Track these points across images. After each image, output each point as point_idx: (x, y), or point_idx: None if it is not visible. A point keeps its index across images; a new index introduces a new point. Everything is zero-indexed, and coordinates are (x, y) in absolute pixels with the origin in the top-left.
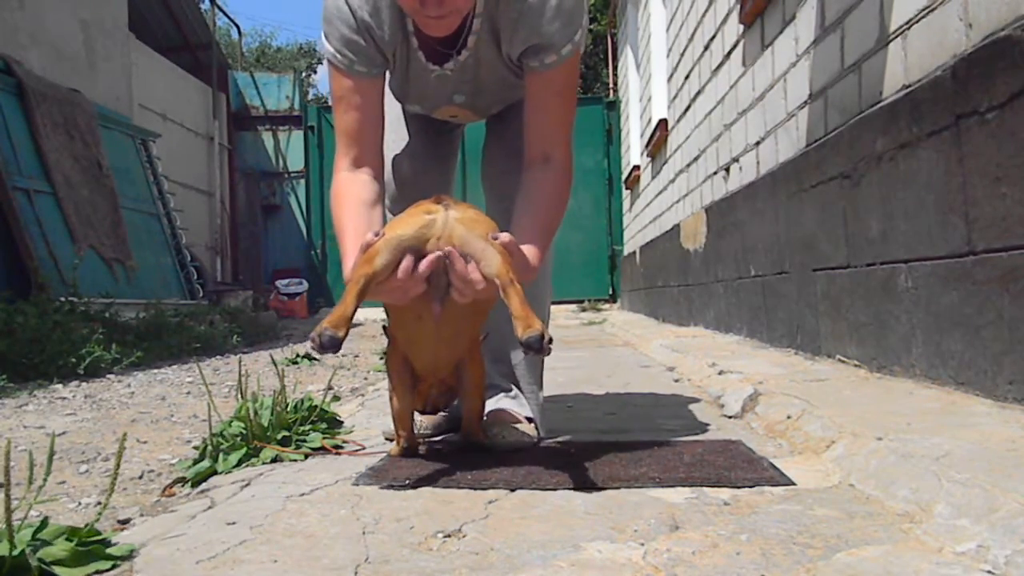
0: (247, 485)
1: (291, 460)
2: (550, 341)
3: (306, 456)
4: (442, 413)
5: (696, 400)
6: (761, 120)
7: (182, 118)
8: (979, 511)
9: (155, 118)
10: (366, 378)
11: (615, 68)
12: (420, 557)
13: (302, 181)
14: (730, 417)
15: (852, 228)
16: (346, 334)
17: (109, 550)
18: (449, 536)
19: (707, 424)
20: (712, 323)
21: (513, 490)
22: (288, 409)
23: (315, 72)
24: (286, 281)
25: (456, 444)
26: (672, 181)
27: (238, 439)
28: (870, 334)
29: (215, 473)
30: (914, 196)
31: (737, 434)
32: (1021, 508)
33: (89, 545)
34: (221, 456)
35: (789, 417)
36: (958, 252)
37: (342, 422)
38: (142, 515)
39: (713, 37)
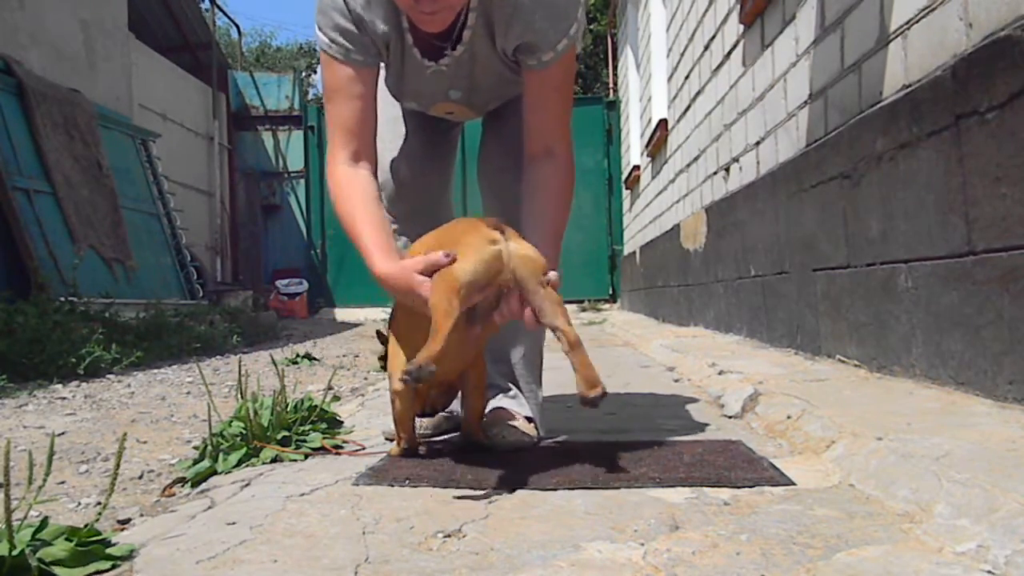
0: (247, 485)
1: (291, 460)
2: (604, 395)
3: (306, 456)
4: (442, 413)
5: (696, 400)
6: (761, 120)
7: (182, 118)
8: (979, 511)
9: (155, 118)
10: (366, 378)
11: (615, 68)
12: (420, 557)
13: (302, 181)
14: (730, 417)
15: (852, 228)
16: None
17: (109, 550)
18: (449, 536)
19: (707, 424)
20: (712, 323)
21: (513, 490)
22: (288, 409)
23: (315, 72)
24: (286, 281)
25: (456, 444)
26: (672, 181)
27: (238, 439)
28: (870, 334)
29: (215, 473)
30: (914, 196)
31: (737, 434)
32: (1021, 508)
33: (89, 545)
34: (221, 456)
35: (789, 417)
36: (958, 252)
37: (342, 422)
38: (142, 515)
39: (713, 37)
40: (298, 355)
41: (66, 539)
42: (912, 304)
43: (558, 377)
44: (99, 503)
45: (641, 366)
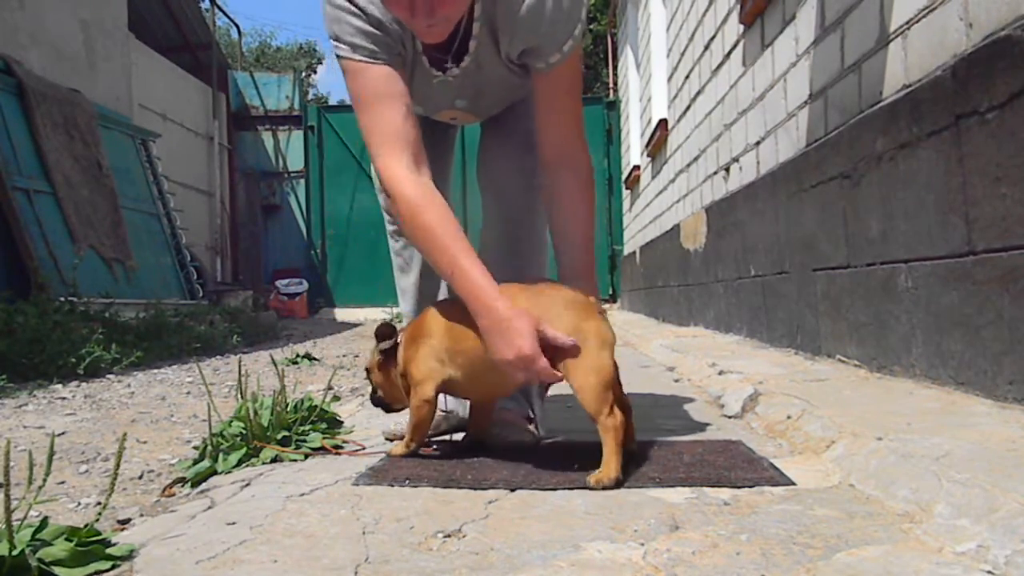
0: (247, 485)
1: (291, 460)
2: (606, 489)
3: (306, 456)
4: (441, 413)
5: (696, 400)
6: (761, 120)
7: (182, 118)
8: (979, 511)
9: (155, 118)
10: (366, 378)
11: (615, 68)
12: (420, 557)
13: (302, 181)
14: (730, 417)
15: (852, 228)
16: None
17: (109, 550)
18: (449, 536)
19: (707, 424)
20: (712, 323)
21: (513, 490)
22: (288, 409)
23: (315, 72)
24: (286, 281)
25: (456, 444)
26: (672, 181)
27: (238, 439)
28: (870, 334)
29: (215, 473)
30: (914, 196)
31: (737, 434)
32: (1021, 508)
33: (89, 545)
34: (221, 456)
35: (789, 417)
36: (958, 252)
37: (342, 422)
38: (142, 515)
39: (713, 37)
40: (298, 355)
41: (66, 539)
42: (912, 304)
43: None
44: (99, 503)
45: (641, 366)
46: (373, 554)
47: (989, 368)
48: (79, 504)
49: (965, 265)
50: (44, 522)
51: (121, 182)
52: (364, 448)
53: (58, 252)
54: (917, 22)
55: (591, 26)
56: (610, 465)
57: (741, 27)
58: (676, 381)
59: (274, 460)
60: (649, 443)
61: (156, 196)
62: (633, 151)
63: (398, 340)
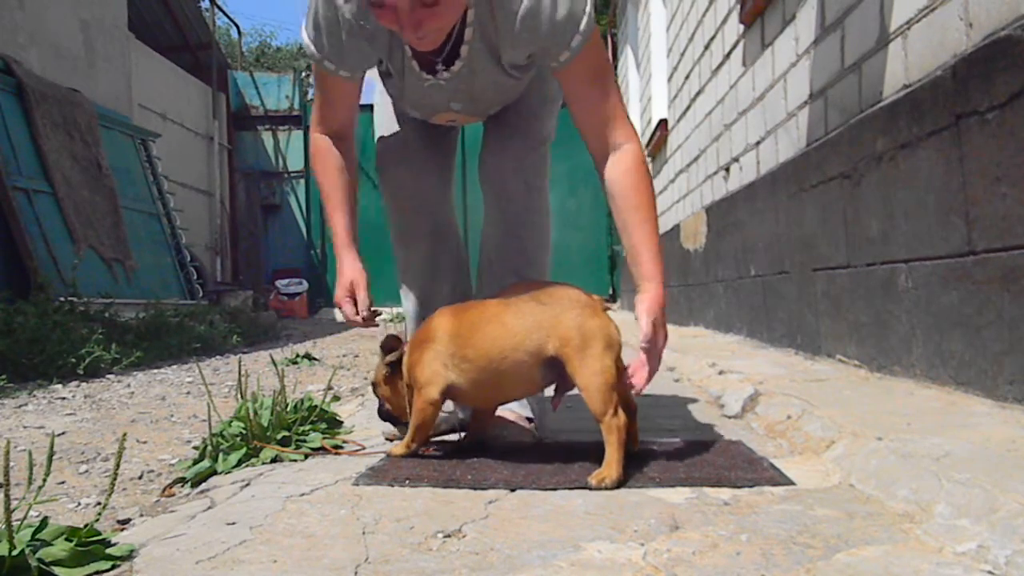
0: (247, 485)
1: (291, 460)
2: (607, 489)
3: (306, 456)
4: (442, 414)
5: (696, 400)
6: (761, 120)
7: (182, 118)
8: (979, 511)
9: (155, 118)
10: (366, 378)
11: (615, 68)
12: (420, 557)
13: (302, 181)
14: (730, 417)
15: (852, 228)
16: None
17: (109, 550)
18: (449, 536)
19: (707, 424)
20: (712, 323)
21: (513, 490)
22: (288, 409)
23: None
24: (286, 281)
25: (456, 444)
26: (672, 181)
27: (238, 439)
28: (870, 334)
29: (215, 473)
30: (914, 196)
31: (737, 434)
32: (1021, 508)
33: (89, 545)
34: (221, 456)
35: (789, 417)
36: (958, 252)
37: (342, 422)
38: (142, 515)
39: (713, 37)
40: (298, 355)
41: (66, 539)
42: (912, 304)
43: None
44: (99, 503)
45: None
46: (373, 554)
47: (989, 368)
48: (79, 504)
49: (965, 265)
50: (44, 522)
51: (121, 182)
52: (364, 448)
53: (58, 252)
54: (917, 22)
55: None
56: (612, 465)
57: (741, 27)
58: (676, 381)
59: (274, 460)
60: (649, 443)
61: (156, 196)
62: None
63: (403, 351)
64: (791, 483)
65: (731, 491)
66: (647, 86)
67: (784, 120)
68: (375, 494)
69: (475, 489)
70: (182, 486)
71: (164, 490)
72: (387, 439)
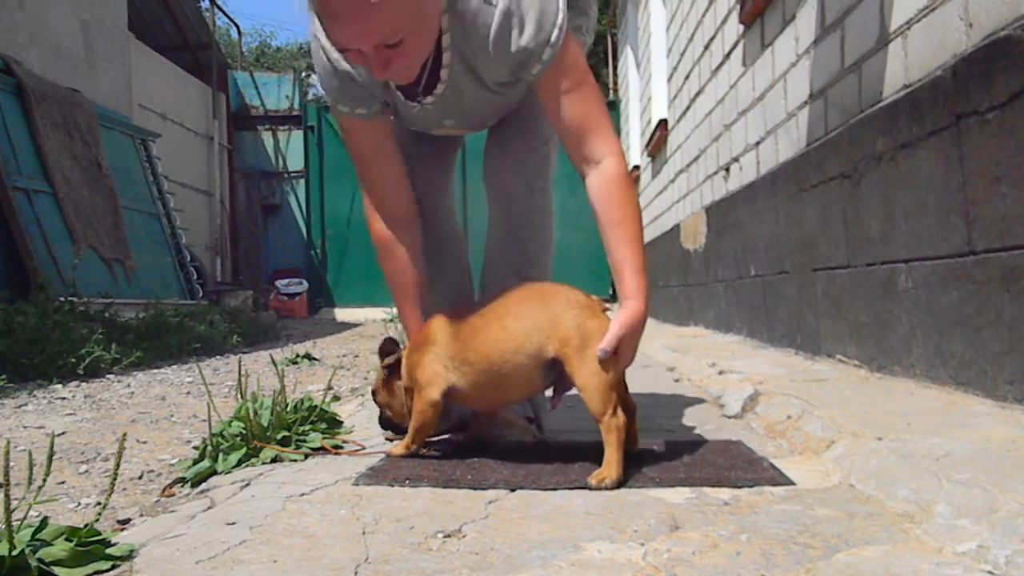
0: (247, 485)
1: (291, 460)
2: (607, 489)
3: (306, 456)
4: None
5: (696, 400)
6: (761, 120)
7: (182, 118)
8: (979, 511)
9: (155, 118)
10: (366, 378)
11: (615, 68)
12: (420, 557)
13: (302, 181)
14: (730, 417)
15: (852, 228)
16: None
17: (109, 550)
18: (449, 536)
19: (707, 424)
20: (712, 323)
21: (513, 490)
22: (288, 409)
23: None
24: (286, 281)
25: (456, 444)
26: (672, 181)
27: (238, 439)
28: (870, 334)
29: (215, 473)
30: (914, 196)
31: (737, 434)
32: (1021, 508)
33: (89, 545)
34: (221, 456)
35: (789, 417)
36: (958, 252)
37: (342, 422)
38: (142, 515)
39: (713, 37)
40: (298, 355)
41: (66, 539)
42: (912, 304)
43: None
44: (99, 503)
45: (642, 366)
46: (373, 554)
47: (989, 368)
48: (79, 504)
49: (965, 265)
50: (44, 522)
51: (121, 182)
52: (364, 448)
53: (58, 252)
54: (917, 22)
55: None
56: (611, 465)
57: (741, 27)
58: (676, 381)
59: (274, 460)
60: (649, 443)
61: (156, 196)
62: (633, 151)
63: (401, 355)
64: (791, 483)
65: (731, 491)
66: (647, 86)
67: (784, 120)
68: (375, 494)
69: (475, 489)
70: (182, 486)
71: (164, 490)
72: (387, 439)
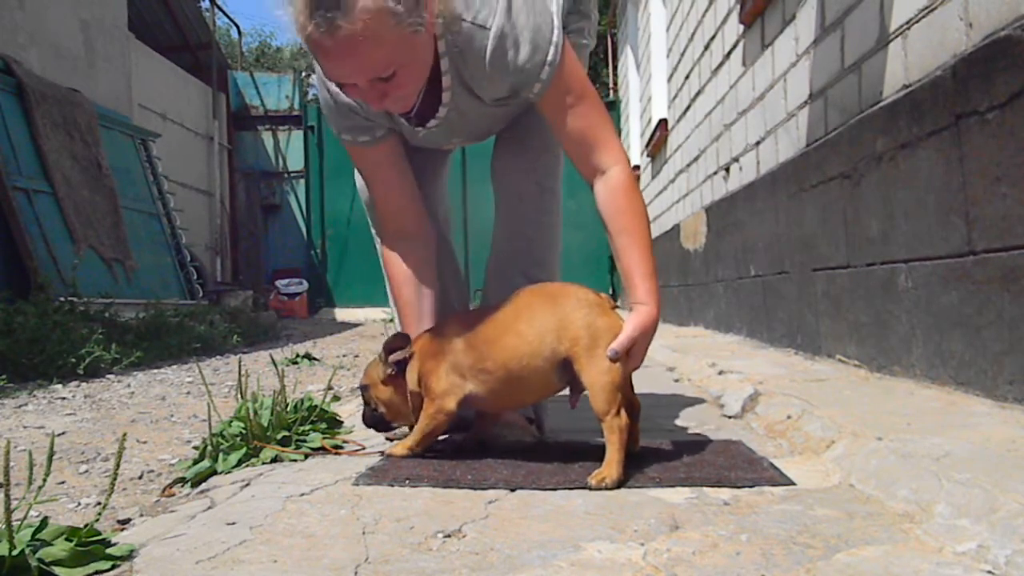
0: (247, 485)
1: (291, 460)
2: (607, 488)
3: (306, 456)
4: None
5: (696, 400)
6: (761, 120)
7: (182, 118)
8: (979, 511)
9: (155, 118)
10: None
11: (615, 68)
12: (420, 557)
13: (302, 181)
14: (730, 417)
15: (852, 228)
16: None
17: (109, 550)
18: (449, 536)
19: (707, 424)
20: (712, 323)
21: (513, 490)
22: (288, 409)
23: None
24: (286, 281)
25: (456, 444)
26: (672, 181)
27: (238, 439)
28: (870, 334)
29: (215, 473)
30: (914, 196)
31: (737, 434)
32: (1021, 508)
33: (89, 545)
34: (221, 456)
35: (789, 417)
36: (958, 252)
37: (342, 422)
38: (142, 515)
39: (713, 37)
40: (298, 355)
41: (66, 539)
42: (912, 304)
43: None
44: (99, 503)
45: (642, 366)
46: (373, 554)
47: (989, 368)
48: (79, 504)
49: (965, 265)
50: (44, 522)
51: (121, 182)
52: (364, 448)
53: (58, 252)
54: (917, 22)
55: None
56: (612, 465)
57: (741, 27)
58: (676, 381)
59: (274, 460)
60: (649, 443)
61: (156, 196)
62: (633, 151)
63: (411, 352)
64: (791, 483)
65: (731, 491)
66: (647, 86)
67: (784, 120)
68: (375, 494)
69: (475, 489)
70: (182, 486)
71: (164, 490)
72: (387, 439)
